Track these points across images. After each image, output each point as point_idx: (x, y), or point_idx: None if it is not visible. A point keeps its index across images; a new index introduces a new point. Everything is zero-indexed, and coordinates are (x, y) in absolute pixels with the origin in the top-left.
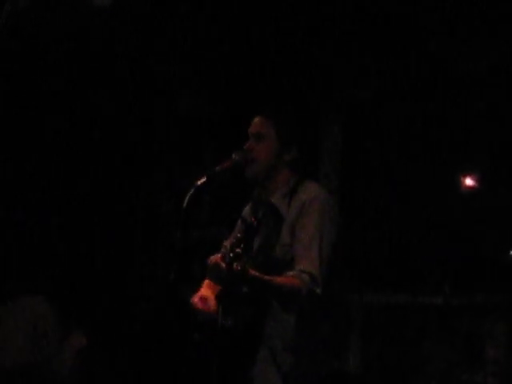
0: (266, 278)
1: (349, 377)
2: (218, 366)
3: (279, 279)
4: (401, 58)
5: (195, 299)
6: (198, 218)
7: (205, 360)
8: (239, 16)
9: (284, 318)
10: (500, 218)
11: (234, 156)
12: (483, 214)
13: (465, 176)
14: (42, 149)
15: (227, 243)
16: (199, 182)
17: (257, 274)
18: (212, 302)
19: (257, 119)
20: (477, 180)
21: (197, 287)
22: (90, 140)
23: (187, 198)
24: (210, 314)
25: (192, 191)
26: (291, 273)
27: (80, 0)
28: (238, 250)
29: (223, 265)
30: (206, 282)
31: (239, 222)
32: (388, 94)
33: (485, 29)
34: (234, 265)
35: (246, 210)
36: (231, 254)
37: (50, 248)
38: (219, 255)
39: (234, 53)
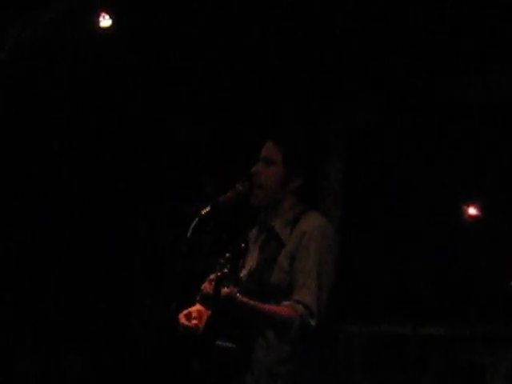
0: (257, 304)
1: None
2: None
3: (272, 307)
4: (404, 86)
5: (180, 316)
6: (201, 248)
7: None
8: (241, 43)
9: (274, 344)
10: (502, 248)
11: (237, 186)
12: (486, 244)
13: (468, 205)
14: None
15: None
16: (203, 212)
17: (245, 299)
18: (196, 320)
19: (268, 143)
20: (480, 209)
21: None
22: (88, 170)
23: (191, 227)
24: (191, 328)
25: (196, 221)
26: (286, 302)
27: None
28: (224, 270)
29: (209, 287)
30: (197, 306)
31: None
32: (390, 123)
33: (489, 61)
34: (222, 289)
35: (252, 234)
36: (218, 274)
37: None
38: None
39: (237, 79)
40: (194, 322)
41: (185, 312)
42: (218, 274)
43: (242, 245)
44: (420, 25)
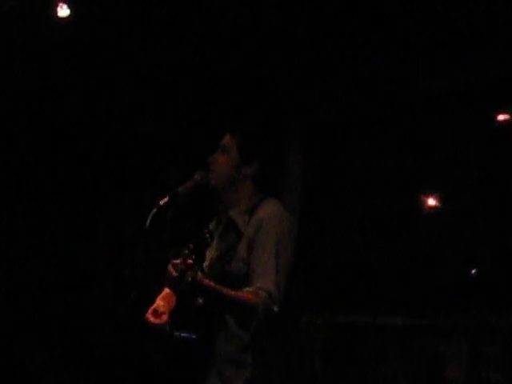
0: (222, 288)
1: None
2: (171, 378)
3: (236, 293)
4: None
5: (148, 314)
6: (160, 239)
7: (162, 374)
8: (204, 34)
9: (235, 332)
10: (461, 237)
11: (196, 176)
12: (445, 234)
13: (427, 196)
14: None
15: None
16: (161, 202)
17: (212, 283)
18: (164, 315)
19: (226, 134)
20: (439, 200)
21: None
22: (47, 160)
23: (149, 217)
24: (161, 326)
25: (154, 211)
26: (248, 289)
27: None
28: (189, 260)
29: (174, 273)
30: (164, 292)
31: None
32: (352, 113)
33: (446, 49)
34: (187, 274)
35: (212, 224)
36: (183, 266)
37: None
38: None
39: (198, 71)
40: (164, 317)
41: (151, 309)
42: (183, 265)
43: (207, 235)
44: (377, 19)
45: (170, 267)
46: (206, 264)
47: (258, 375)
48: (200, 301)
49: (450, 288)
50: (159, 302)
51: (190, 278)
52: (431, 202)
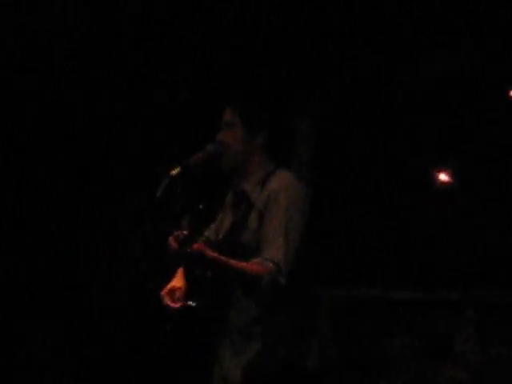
0: (226, 259)
1: (307, 372)
2: (185, 348)
3: (241, 263)
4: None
5: (163, 293)
6: (171, 209)
7: (175, 346)
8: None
9: (244, 304)
10: (473, 215)
11: (208, 147)
12: (456, 211)
13: (439, 171)
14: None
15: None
16: (173, 173)
17: (214, 254)
18: (180, 293)
19: (227, 109)
20: (451, 175)
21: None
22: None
23: (161, 188)
24: (178, 306)
25: (165, 181)
26: (256, 259)
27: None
28: (184, 232)
29: (174, 245)
30: (180, 272)
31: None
32: (362, 85)
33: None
34: (185, 245)
35: (228, 198)
36: (181, 237)
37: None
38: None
39: (203, 47)
40: (180, 303)
41: (167, 289)
42: (180, 236)
43: (200, 206)
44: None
45: (170, 239)
46: (219, 236)
47: (269, 348)
48: (209, 273)
49: (460, 264)
50: (175, 284)
51: (188, 249)
52: (444, 177)
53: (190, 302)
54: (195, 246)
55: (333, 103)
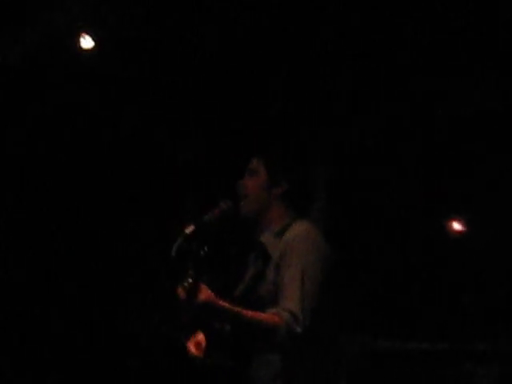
0: (239, 310)
1: None
2: None
3: (256, 314)
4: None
5: (189, 345)
6: (185, 269)
7: None
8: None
9: (266, 359)
10: (487, 261)
11: (221, 204)
12: (471, 258)
13: (452, 220)
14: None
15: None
16: (187, 231)
17: (225, 304)
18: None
19: (253, 158)
20: (465, 224)
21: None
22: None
23: (175, 246)
24: (200, 360)
25: (180, 240)
26: (271, 310)
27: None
28: (189, 280)
29: (182, 296)
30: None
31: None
32: (376, 137)
33: (471, 73)
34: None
35: (250, 256)
36: (188, 287)
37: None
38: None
39: (223, 98)
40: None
41: (194, 341)
42: (187, 286)
43: (202, 252)
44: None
45: (178, 290)
46: (238, 290)
47: None
48: (227, 326)
49: (480, 313)
50: (202, 336)
51: (195, 299)
52: (457, 226)
53: (215, 360)
54: (202, 295)
55: (342, 156)
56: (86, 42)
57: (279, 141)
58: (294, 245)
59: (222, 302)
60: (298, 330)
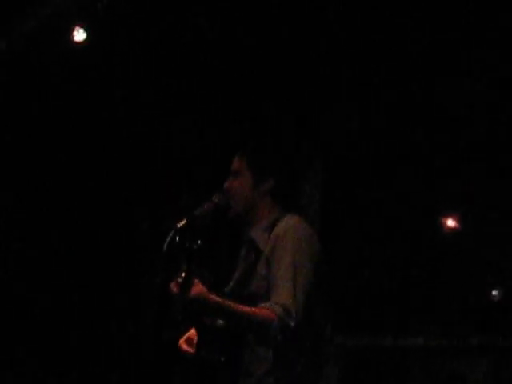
0: (231, 304)
1: None
2: None
3: (248, 308)
4: (383, 96)
5: (181, 341)
6: (177, 262)
7: None
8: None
9: (259, 354)
10: (482, 258)
11: (213, 198)
12: (465, 255)
13: (446, 217)
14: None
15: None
16: (179, 225)
17: (217, 298)
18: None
19: (234, 159)
20: (459, 221)
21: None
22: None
23: (167, 241)
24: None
25: (171, 235)
26: (264, 304)
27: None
28: (182, 274)
29: (175, 291)
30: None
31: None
32: (370, 131)
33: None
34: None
35: (241, 251)
36: (180, 281)
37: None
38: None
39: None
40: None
41: (185, 337)
42: (179, 280)
43: (195, 246)
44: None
45: (171, 285)
46: (229, 286)
47: None
48: (220, 321)
49: (471, 309)
50: (194, 332)
51: (187, 293)
52: (451, 223)
53: (203, 353)
54: (195, 289)
55: (337, 155)
56: (79, 35)
57: (258, 137)
58: (285, 239)
59: (214, 297)
60: (291, 323)
